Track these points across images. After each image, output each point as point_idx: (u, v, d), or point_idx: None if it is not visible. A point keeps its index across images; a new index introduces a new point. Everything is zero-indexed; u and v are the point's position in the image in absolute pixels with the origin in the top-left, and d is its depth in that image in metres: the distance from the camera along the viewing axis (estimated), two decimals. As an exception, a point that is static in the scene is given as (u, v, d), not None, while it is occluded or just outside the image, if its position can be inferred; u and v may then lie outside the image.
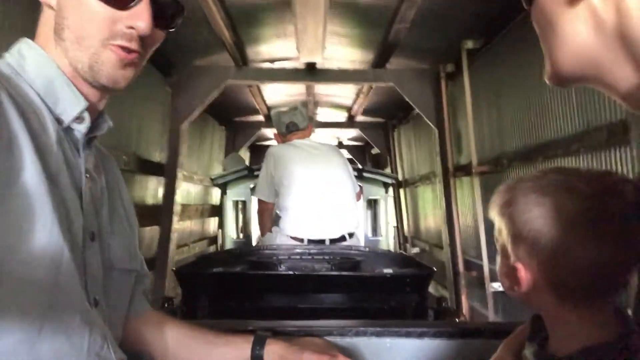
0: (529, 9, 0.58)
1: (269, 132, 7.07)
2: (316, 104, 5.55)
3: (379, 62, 3.81)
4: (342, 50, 3.87)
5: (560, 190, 0.65)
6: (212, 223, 5.44)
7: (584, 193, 0.64)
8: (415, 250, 5.16)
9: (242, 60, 3.68)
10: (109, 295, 0.78)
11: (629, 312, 0.68)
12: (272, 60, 3.91)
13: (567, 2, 0.51)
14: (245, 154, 7.25)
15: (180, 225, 4.14)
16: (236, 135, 6.37)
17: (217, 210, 5.22)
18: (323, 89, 5.13)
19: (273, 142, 7.71)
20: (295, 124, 2.91)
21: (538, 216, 0.65)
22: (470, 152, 3.47)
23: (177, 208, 3.81)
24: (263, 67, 4.03)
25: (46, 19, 0.74)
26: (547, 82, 0.59)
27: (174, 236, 3.76)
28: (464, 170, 3.75)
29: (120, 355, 0.74)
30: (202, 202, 4.94)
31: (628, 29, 0.47)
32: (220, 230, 5.02)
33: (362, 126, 6.40)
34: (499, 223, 0.71)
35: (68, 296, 0.65)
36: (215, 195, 5.35)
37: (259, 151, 8.20)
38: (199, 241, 4.79)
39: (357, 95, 5.06)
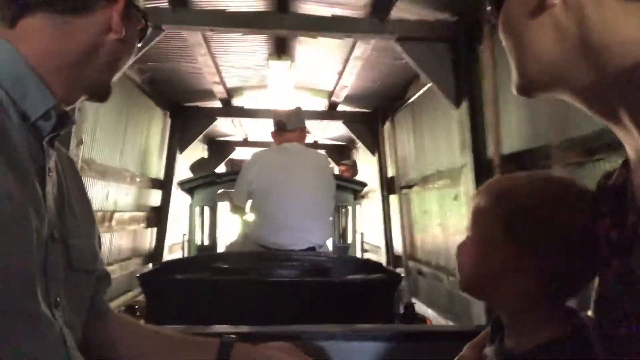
0: (496, 22, 0.60)
1: (228, 125, 5.91)
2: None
3: (379, 9, 2.86)
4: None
5: (553, 200, 0.69)
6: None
7: (557, 202, 0.68)
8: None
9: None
10: (70, 296, 0.75)
11: (589, 313, 0.70)
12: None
13: (530, 13, 0.53)
14: (199, 148, 6.46)
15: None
16: (184, 124, 5.06)
17: None
18: (299, 61, 3.97)
19: (232, 138, 7.03)
20: (283, 124, 2.86)
21: (527, 220, 0.68)
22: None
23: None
24: (210, 9, 3.04)
25: (68, 33, 0.73)
26: (515, 93, 0.61)
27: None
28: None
29: (79, 358, 0.72)
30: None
31: (590, 39, 0.49)
32: (185, 236, 4.89)
33: (345, 117, 5.33)
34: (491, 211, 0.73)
35: (25, 297, 0.63)
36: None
37: (219, 148, 7.22)
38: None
39: (342, 68, 3.86)
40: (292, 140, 2.86)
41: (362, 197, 6.23)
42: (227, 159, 7.73)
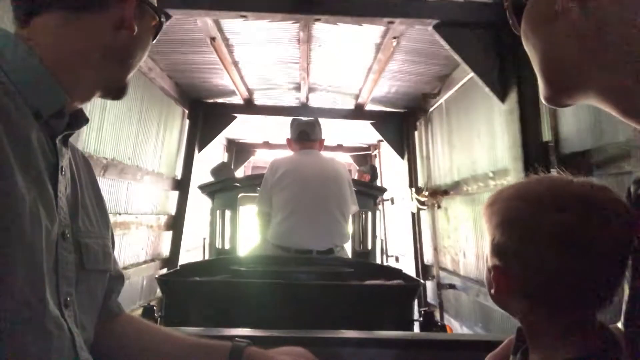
0: (518, 32, 0.60)
1: (223, 76, 4.09)
2: (311, 90, 4.55)
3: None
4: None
5: (540, 202, 0.64)
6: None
7: (567, 208, 0.62)
8: None
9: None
10: (81, 296, 0.75)
11: (619, 325, 0.67)
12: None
13: (547, 20, 0.53)
14: (177, 112, 4.70)
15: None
16: (205, 122, 4.47)
17: None
18: (322, 63, 3.64)
19: (230, 99, 4.65)
20: (307, 134, 2.94)
21: (511, 225, 0.66)
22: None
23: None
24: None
25: (78, 31, 0.73)
26: (545, 103, 0.59)
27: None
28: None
29: (88, 358, 0.71)
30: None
31: (612, 41, 0.48)
32: (205, 239, 4.89)
33: (372, 117, 4.16)
34: (485, 224, 0.72)
35: (32, 296, 0.62)
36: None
37: (210, 115, 4.92)
38: None
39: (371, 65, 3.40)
40: (312, 148, 2.96)
41: (444, 192, 4.17)
42: (224, 138, 5.85)
